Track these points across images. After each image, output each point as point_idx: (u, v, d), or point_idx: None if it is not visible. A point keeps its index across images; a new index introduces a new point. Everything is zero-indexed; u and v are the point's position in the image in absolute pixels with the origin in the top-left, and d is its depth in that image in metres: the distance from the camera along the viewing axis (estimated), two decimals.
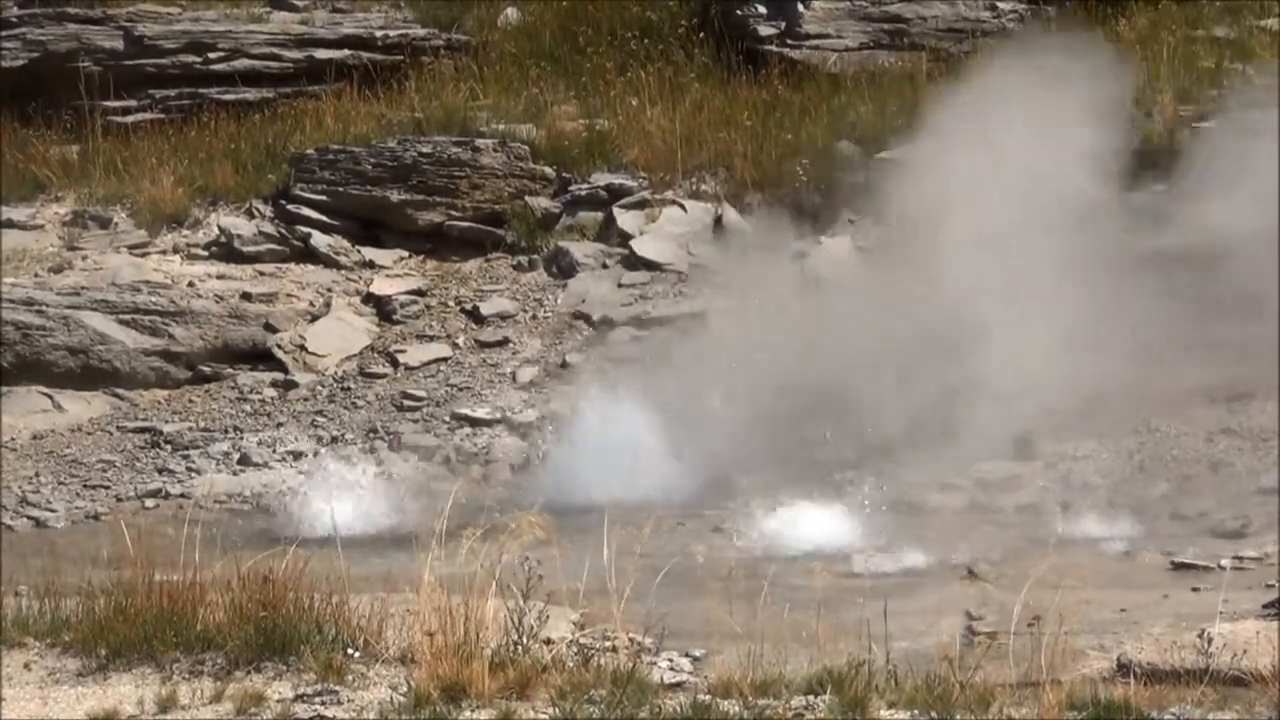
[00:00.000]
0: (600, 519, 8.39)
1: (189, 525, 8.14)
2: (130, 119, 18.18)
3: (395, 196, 17.11)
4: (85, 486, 14.36)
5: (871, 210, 16.06)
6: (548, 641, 7.65)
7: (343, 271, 16.89)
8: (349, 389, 15.58)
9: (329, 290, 16.64)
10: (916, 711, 6.87)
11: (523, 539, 7.56)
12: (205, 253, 16.95)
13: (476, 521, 7.74)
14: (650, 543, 7.98)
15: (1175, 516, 12.35)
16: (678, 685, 7.49)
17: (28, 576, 9.34)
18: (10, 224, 17.16)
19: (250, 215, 17.28)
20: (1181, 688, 7.13)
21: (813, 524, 12.09)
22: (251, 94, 18.29)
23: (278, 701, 7.26)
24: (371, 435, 14.88)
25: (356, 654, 7.55)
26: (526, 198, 17.18)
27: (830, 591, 8.59)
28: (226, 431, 15.13)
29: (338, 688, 7.30)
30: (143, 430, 15.22)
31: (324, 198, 17.16)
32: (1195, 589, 10.34)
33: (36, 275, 16.58)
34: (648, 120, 17.56)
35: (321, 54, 18.53)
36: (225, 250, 16.94)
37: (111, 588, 7.98)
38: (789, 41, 18.28)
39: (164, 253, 16.97)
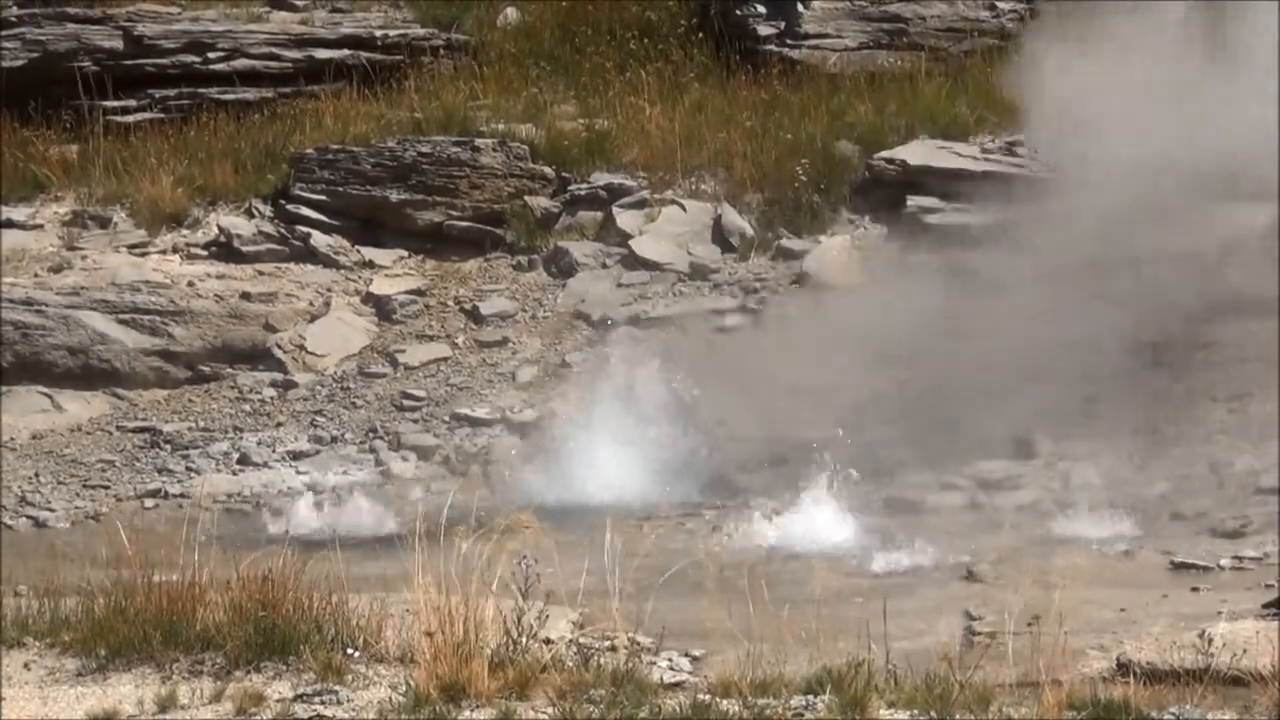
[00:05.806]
0: (599, 518, 8.38)
1: (188, 525, 8.13)
2: (130, 119, 18.17)
3: (395, 196, 17.10)
4: (85, 486, 14.36)
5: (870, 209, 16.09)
6: (547, 641, 7.64)
7: (342, 271, 16.88)
8: (348, 389, 15.57)
9: (328, 290, 16.63)
10: (916, 711, 6.86)
11: (522, 538, 7.55)
12: (205, 252, 16.94)
13: (474, 521, 7.73)
14: (649, 541, 7.97)
15: (1175, 516, 12.34)
16: (677, 685, 7.48)
17: (27, 576, 9.34)
18: (10, 224, 17.16)
19: (250, 215, 17.28)
20: (1181, 687, 7.12)
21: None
22: (251, 94, 18.28)
23: (277, 701, 7.25)
24: (371, 435, 14.88)
25: (356, 654, 7.55)
26: (526, 197, 17.16)
27: (830, 591, 8.58)
28: (226, 431, 15.13)
29: (337, 687, 7.29)
30: (142, 430, 15.22)
31: (323, 197, 17.15)
32: (1195, 589, 10.34)
33: (36, 275, 16.57)
34: (647, 120, 17.55)
35: (321, 54, 18.52)
36: (225, 250, 16.93)
37: (111, 588, 7.97)
38: (788, 41, 18.27)
39: (164, 253, 16.96)
